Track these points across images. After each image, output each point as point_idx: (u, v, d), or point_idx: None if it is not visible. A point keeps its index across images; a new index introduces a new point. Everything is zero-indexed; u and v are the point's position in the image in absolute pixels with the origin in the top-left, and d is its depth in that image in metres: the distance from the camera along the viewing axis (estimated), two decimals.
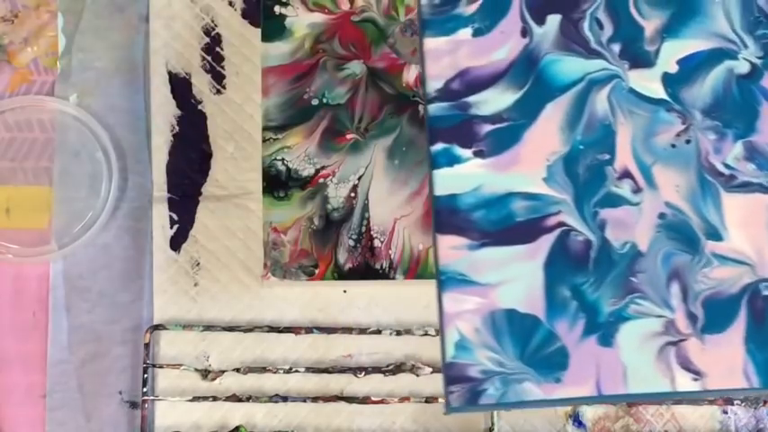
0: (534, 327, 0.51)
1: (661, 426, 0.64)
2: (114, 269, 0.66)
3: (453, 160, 0.53)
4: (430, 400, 0.64)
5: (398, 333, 0.65)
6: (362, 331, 0.65)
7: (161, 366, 0.65)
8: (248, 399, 0.64)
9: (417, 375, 0.64)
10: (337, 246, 0.64)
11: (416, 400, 0.64)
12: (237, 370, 0.65)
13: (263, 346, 0.66)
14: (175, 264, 0.67)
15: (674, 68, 0.55)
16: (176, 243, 0.67)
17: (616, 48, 0.55)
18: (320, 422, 0.65)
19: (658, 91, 0.54)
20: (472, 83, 0.54)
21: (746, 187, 0.53)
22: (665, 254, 0.52)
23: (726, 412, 0.65)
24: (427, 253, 0.63)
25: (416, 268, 0.63)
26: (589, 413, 0.65)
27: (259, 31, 0.67)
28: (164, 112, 0.68)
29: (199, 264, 0.67)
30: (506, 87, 0.54)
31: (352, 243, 0.64)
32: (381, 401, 0.64)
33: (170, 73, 0.68)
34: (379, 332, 0.65)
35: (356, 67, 0.65)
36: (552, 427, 0.65)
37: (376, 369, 0.65)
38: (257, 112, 0.67)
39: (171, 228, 0.67)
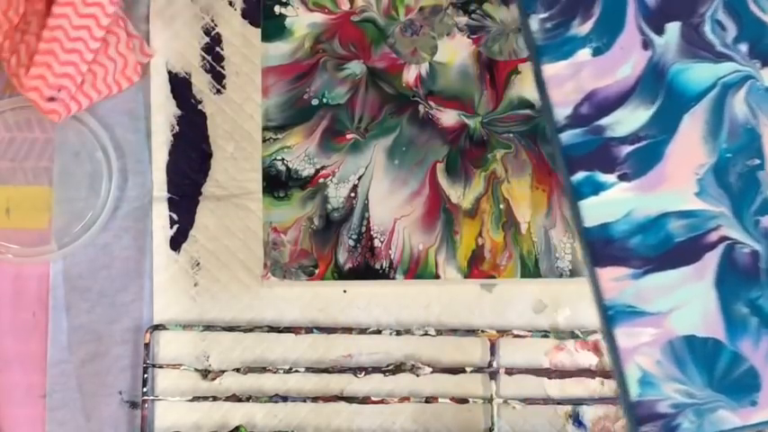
0: (718, 350, 0.49)
1: None
2: (114, 269, 0.66)
3: (598, 188, 0.51)
4: (430, 400, 0.64)
5: (398, 333, 0.65)
6: (362, 331, 0.65)
7: (161, 366, 0.65)
8: (248, 399, 0.64)
9: (417, 375, 0.64)
10: (337, 246, 0.64)
11: (416, 400, 0.64)
12: (237, 370, 0.65)
13: (263, 346, 0.66)
14: (175, 264, 0.67)
15: None
16: (176, 243, 0.67)
17: (743, 47, 0.53)
18: (320, 422, 0.65)
19: None
20: (601, 104, 0.52)
21: None
22: None
23: None
24: (427, 253, 0.63)
25: (416, 268, 0.63)
26: (589, 413, 0.65)
27: (259, 31, 0.67)
28: (164, 111, 0.68)
29: (199, 264, 0.67)
30: (638, 104, 0.52)
31: (352, 243, 0.64)
32: (381, 401, 0.64)
33: (170, 73, 0.68)
34: (379, 332, 0.65)
35: (356, 67, 0.65)
36: (552, 427, 0.65)
37: (376, 369, 0.65)
38: (257, 112, 0.67)
39: (171, 228, 0.67)
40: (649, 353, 0.49)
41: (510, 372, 0.64)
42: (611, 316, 0.50)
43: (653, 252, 0.50)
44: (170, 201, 0.67)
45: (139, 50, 0.67)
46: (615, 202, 0.51)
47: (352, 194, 0.64)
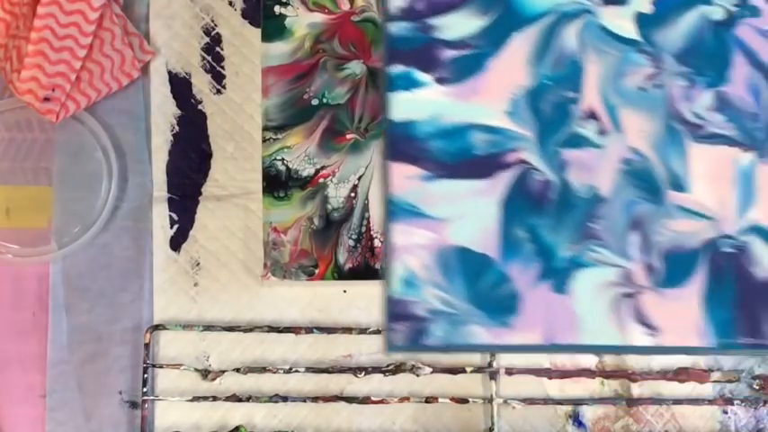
0: (486, 267, 0.49)
1: (661, 426, 0.64)
2: (114, 269, 0.66)
3: (412, 84, 0.51)
4: (430, 400, 0.64)
5: None
6: (362, 331, 0.65)
7: (161, 366, 0.65)
8: (248, 399, 0.64)
9: (417, 375, 0.64)
10: (337, 246, 0.64)
11: (416, 400, 0.64)
12: (237, 370, 0.65)
13: (263, 346, 0.66)
14: (175, 264, 0.67)
15: (648, 8, 0.53)
16: (176, 243, 0.67)
17: None
18: (320, 422, 0.65)
19: (630, 30, 0.52)
20: (437, 4, 0.52)
21: (713, 138, 0.52)
22: (626, 201, 0.51)
23: (726, 412, 0.65)
24: None
25: None
26: (589, 413, 0.65)
27: (259, 31, 0.67)
28: (164, 111, 0.68)
29: (199, 264, 0.67)
30: (472, 12, 0.52)
31: (352, 243, 0.64)
32: (381, 401, 0.64)
33: (170, 73, 0.68)
34: (379, 332, 0.65)
35: (356, 67, 0.65)
36: (552, 427, 0.65)
37: (376, 369, 0.65)
38: (257, 112, 0.67)
39: (171, 228, 0.67)
40: (420, 255, 0.49)
41: (510, 372, 0.64)
42: (392, 211, 0.50)
43: (449, 159, 0.50)
44: (170, 201, 0.67)
45: (139, 48, 0.67)
46: (426, 103, 0.51)
47: (353, 194, 0.64)
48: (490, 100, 0.51)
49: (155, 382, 0.65)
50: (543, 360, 0.65)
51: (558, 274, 0.50)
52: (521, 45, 0.52)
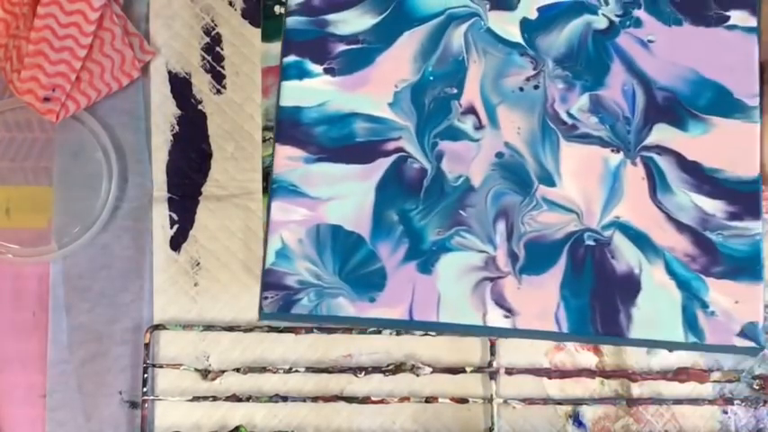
0: (357, 245, 0.53)
1: (661, 426, 0.65)
2: (114, 269, 0.66)
3: (303, 74, 0.55)
4: (430, 400, 0.64)
5: (398, 333, 0.65)
6: (362, 331, 0.65)
7: (161, 366, 0.65)
8: (248, 399, 0.64)
9: (417, 375, 0.64)
10: None
11: (416, 400, 0.64)
12: (237, 370, 0.65)
13: (263, 346, 0.66)
14: (175, 264, 0.67)
15: (533, 14, 0.56)
16: (176, 243, 0.67)
17: None
18: (320, 422, 0.65)
19: (515, 34, 0.56)
20: (334, 1, 0.56)
21: (586, 138, 0.54)
22: (496, 192, 0.53)
23: (726, 412, 0.65)
24: None
25: None
26: (589, 413, 0.65)
27: (259, 30, 0.67)
28: (164, 111, 0.68)
29: (199, 264, 0.67)
30: (367, 10, 0.56)
31: None
32: (381, 401, 0.64)
33: (170, 73, 0.68)
34: (379, 332, 0.65)
35: None
36: (552, 427, 0.65)
37: (376, 369, 0.65)
38: (257, 112, 0.67)
39: (171, 228, 0.67)
40: (296, 230, 0.52)
41: (510, 372, 0.64)
42: (274, 189, 0.53)
43: (331, 144, 0.54)
44: (170, 201, 0.67)
45: (140, 48, 0.67)
46: (314, 91, 0.55)
47: None
48: (375, 92, 0.55)
49: (155, 382, 0.65)
50: (543, 360, 0.65)
51: (424, 256, 0.52)
52: (409, 43, 0.55)
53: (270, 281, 0.52)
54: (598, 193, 0.54)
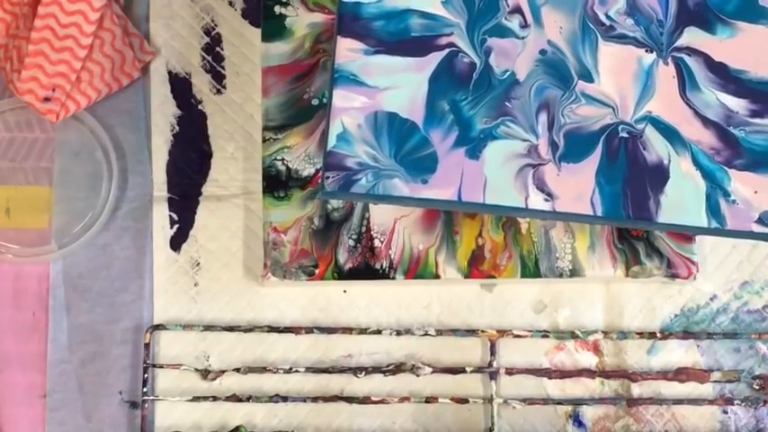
0: (411, 131, 0.56)
1: (661, 426, 0.65)
2: (114, 269, 0.66)
3: None
4: (430, 400, 0.64)
5: (398, 333, 0.65)
6: (362, 331, 0.65)
7: (161, 366, 0.65)
8: (248, 399, 0.64)
9: (417, 375, 0.64)
10: (337, 246, 0.64)
11: (416, 400, 0.64)
12: (237, 370, 0.65)
13: (263, 346, 0.66)
14: (175, 264, 0.67)
15: None
16: (176, 243, 0.67)
17: None
18: (320, 422, 0.65)
19: None
20: None
21: (622, 39, 0.58)
22: (539, 86, 0.57)
23: (726, 412, 0.65)
24: (427, 253, 0.64)
25: (416, 268, 0.63)
26: (589, 413, 0.65)
27: (259, 30, 0.67)
28: (164, 111, 0.68)
29: (199, 264, 0.67)
30: None
31: (352, 243, 0.64)
32: (381, 401, 0.64)
33: (170, 73, 0.68)
34: (379, 332, 0.65)
35: None
36: (552, 427, 0.65)
37: (376, 369, 0.65)
38: (257, 112, 0.67)
39: (171, 228, 0.67)
40: (355, 116, 0.56)
41: (510, 372, 0.64)
42: (336, 78, 0.56)
43: (389, 37, 0.57)
44: (170, 201, 0.67)
45: (140, 49, 0.67)
46: None
47: None
48: None
49: (155, 382, 0.65)
50: (543, 360, 0.65)
51: (473, 143, 0.56)
52: None
53: (331, 162, 0.55)
54: (632, 90, 0.58)
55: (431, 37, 0.57)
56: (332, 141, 0.55)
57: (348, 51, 0.57)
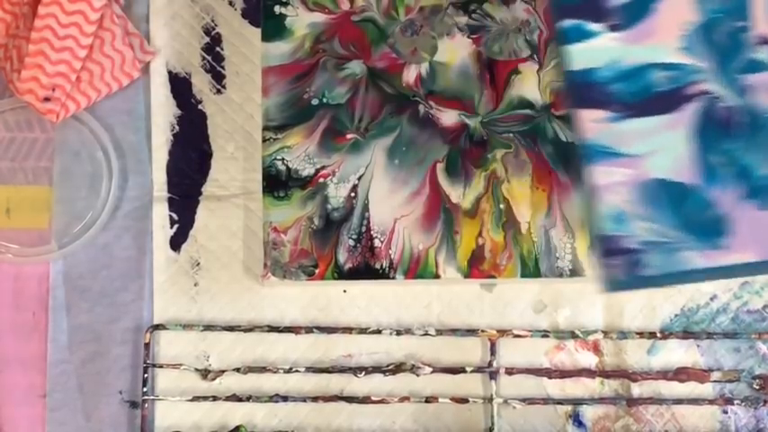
0: (687, 194, 0.51)
1: (661, 426, 0.64)
2: (114, 269, 0.66)
3: (585, 35, 0.54)
4: (430, 399, 0.64)
5: (398, 333, 0.65)
6: (362, 331, 0.65)
7: (161, 366, 0.65)
8: (248, 399, 0.64)
9: (417, 375, 0.64)
10: (337, 246, 0.64)
11: (416, 400, 0.64)
12: (237, 370, 0.65)
13: (263, 346, 0.66)
14: (175, 264, 0.67)
15: None
16: (176, 243, 0.67)
17: None
18: (320, 422, 0.65)
19: None
20: None
21: None
22: None
23: (726, 412, 0.65)
24: (427, 253, 0.63)
25: (416, 268, 0.63)
26: (589, 413, 0.65)
27: (259, 30, 0.67)
28: (164, 111, 0.68)
29: (199, 264, 0.67)
30: None
31: (352, 243, 0.64)
32: (381, 401, 0.64)
33: (170, 73, 0.68)
34: (379, 332, 0.65)
35: (356, 67, 0.65)
36: (552, 427, 0.65)
37: (376, 369, 0.65)
38: (257, 111, 0.67)
39: (171, 228, 0.67)
40: (621, 191, 0.51)
41: (510, 372, 0.64)
42: (588, 154, 0.52)
43: (633, 99, 0.53)
44: (170, 201, 0.67)
45: (140, 49, 0.67)
46: (601, 50, 0.54)
47: (353, 194, 0.64)
48: (662, 39, 0.54)
49: (155, 381, 0.65)
50: (543, 360, 0.65)
51: (762, 192, 0.51)
52: None
53: (610, 247, 0.50)
54: None
55: (679, 88, 0.53)
56: (603, 224, 0.50)
57: (592, 123, 0.52)
